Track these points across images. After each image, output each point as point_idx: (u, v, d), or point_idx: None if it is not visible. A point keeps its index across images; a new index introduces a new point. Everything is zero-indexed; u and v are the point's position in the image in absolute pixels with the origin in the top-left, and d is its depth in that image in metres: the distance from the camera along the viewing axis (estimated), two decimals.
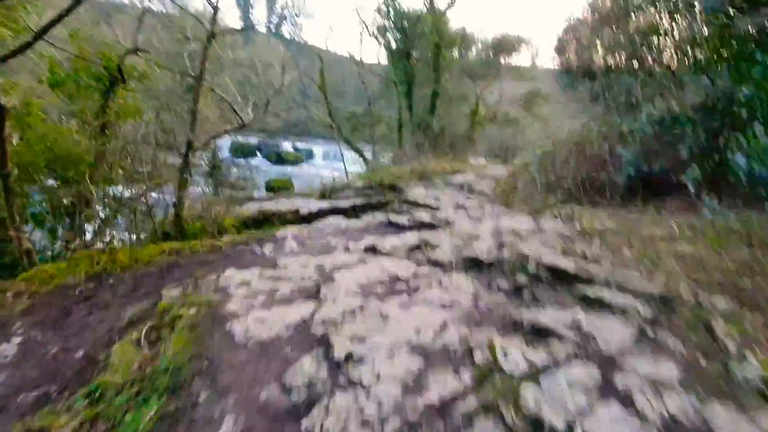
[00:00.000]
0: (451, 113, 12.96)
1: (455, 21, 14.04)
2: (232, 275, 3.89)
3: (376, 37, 12.12)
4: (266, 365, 2.38)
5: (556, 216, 5.40)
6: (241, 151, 24.89)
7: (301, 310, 2.97)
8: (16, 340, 3.09)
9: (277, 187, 19.20)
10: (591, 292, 2.90)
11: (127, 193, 6.92)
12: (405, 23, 10.54)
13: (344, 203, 8.05)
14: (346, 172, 11.28)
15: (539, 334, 2.50)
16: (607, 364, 2.16)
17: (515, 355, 2.17)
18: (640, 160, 6.53)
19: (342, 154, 12.34)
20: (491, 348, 2.29)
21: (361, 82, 15.44)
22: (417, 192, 8.08)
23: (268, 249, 5.42)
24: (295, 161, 25.04)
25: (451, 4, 11.24)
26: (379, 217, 7.30)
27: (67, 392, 2.58)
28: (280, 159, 24.97)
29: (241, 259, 5.04)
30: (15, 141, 6.17)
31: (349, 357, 2.33)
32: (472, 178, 9.76)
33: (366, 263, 4.00)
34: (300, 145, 26.50)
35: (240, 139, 25.98)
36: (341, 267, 3.96)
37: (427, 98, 11.54)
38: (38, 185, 6.19)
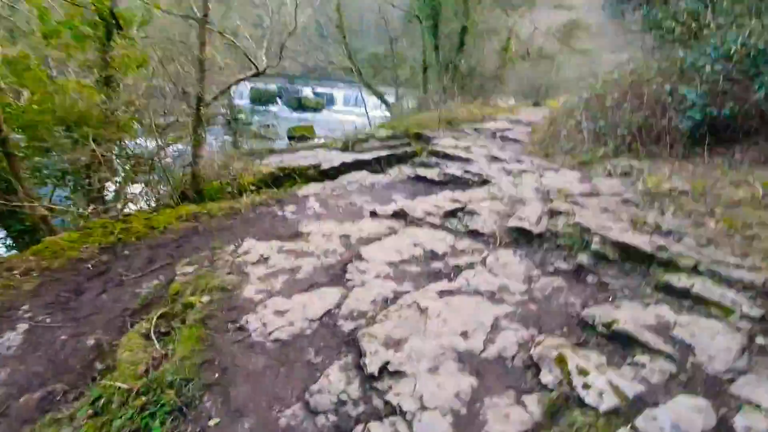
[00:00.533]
0: (479, 51, 11.61)
1: None
2: (250, 248, 3.47)
3: None
4: (287, 375, 1.99)
5: (610, 172, 4.65)
6: (261, 99, 23.98)
7: (326, 299, 2.53)
8: (22, 327, 2.83)
9: (299, 135, 18.55)
10: (676, 280, 2.31)
11: (142, 150, 6.50)
12: None
13: (368, 156, 7.41)
14: (369, 120, 10.44)
15: (618, 341, 1.97)
16: (719, 393, 1.64)
17: (596, 379, 1.67)
18: (707, 102, 5.52)
19: (363, 100, 11.42)
20: (561, 363, 1.79)
21: (381, 19, 14.00)
22: (446, 142, 7.31)
23: (289, 210, 4.97)
24: (316, 107, 23.96)
25: None
26: (406, 170, 6.67)
27: (73, 394, 2.31)
28: (300, 105, 23.93)
29: (262, 223, 4.62)
30: (24, 98, 5.73)
31: (384, 369, 1.89)
32: (504, 124, 8.82)
33: (396, 234, 3.49)
34: (320, 90, 25.22)
35: (260, 86, 24.98)
36: (369, 239, 3.47)
37: (455, 35, 10.22)
38: (52, 146, 5.81)
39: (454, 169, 6.21)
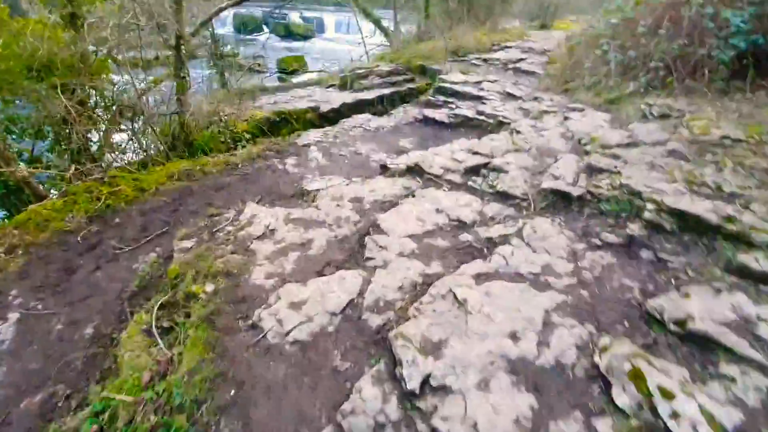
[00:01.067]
0: None
1: None
2: (253, 216, 3.05)
3: None
4: (312, 387, 1.70)
5: (645, 114, 4.09)
6: (246, 27, 21.76)
7: (346, 285, 2.18)
8: (14, 316, 2.50)
9: (290, 67, 17.12)
10: (753, 261, 1.96)
11: (121, 95, 5.74)
12: None
13: (369, 95, 6.66)
14: (367, 52, 9.38)
15: (694, 344, 1.67)
16: None
17: (684, 405, 1.38)
18: (752, 27, 4.78)
19: (359, 27, 10.16)
20: (637, 379, 1.50)
21: None
22: (454, 77, 6.54)
23: (290, 164, 4.46)
24: (306, 34, 21.80)
25: None
26: (412, 111, 6.02)
27: (75, 399, 2.06)
28: (289, 33, 21.72)
29: (262, 180, 4.14)
30: None
31: (425, 383, 1.60)
32: (516, 53, 7.91)
33: (414, 197, 3.06)
34: (309, 14, 22.81)
35: (243, 12, 22.57)
36: (384, 203, 3.05)
37: None
38: (23, 96, 5.07)
39: (464, 109, 5.59)
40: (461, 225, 2.66)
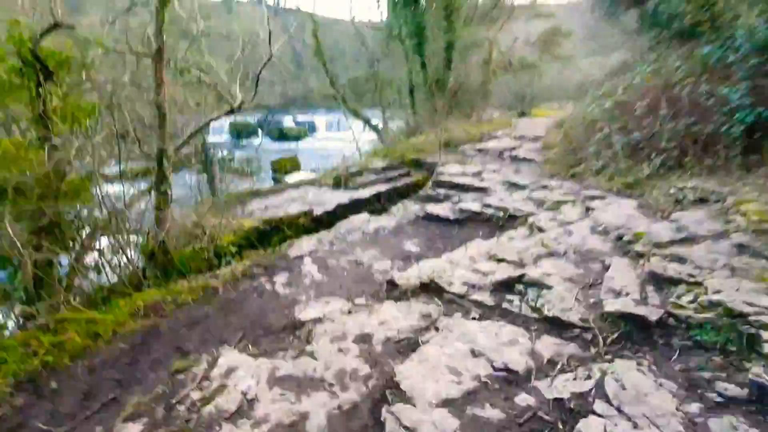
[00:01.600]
0: (464, 66, 10.77)
1: None
2: (228, 373, 2.27)
3: None
4: None
5: (679, 199, 3.61)
6: (241, 132, 22.83)
7: None
8: None
9: (283, 168, 17.43)
10: None
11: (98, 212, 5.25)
12: None
13: (365, 192, 6.30)
14: (359, 149, 9.38)
15: None
16: None
17: None
18: (754, 101, 4.61)
19: (351, 127, 10.35)
20: None
21: (359, 44, 13.12)
22: (451, 169, 6.27)
23: (281, 282, 3.78)
24: (299, 136, 22.87)
25: None
26: (412, 207, 5.56)
27: None
28: (283, 135, 22.79)
29: (246, 307, 3.43)
30: None
31: None
32: (508, 141, 7.85)
33: (439, 332, 2.34)
34: (301, 118, 24.21)
35: (239, 119, 23.88)
36: (401, 344, 2.31)
37: (440, 52, 9.34)
38: None
39: (469, 202, 5.14)
40: (512, 377, 1.91)
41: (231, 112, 6.85)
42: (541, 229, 3.56)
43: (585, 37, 14.22)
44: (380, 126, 11.26)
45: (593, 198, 4.16)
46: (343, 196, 6.22)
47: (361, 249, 4.42)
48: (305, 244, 4.61)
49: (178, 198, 7.01)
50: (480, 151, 7.43)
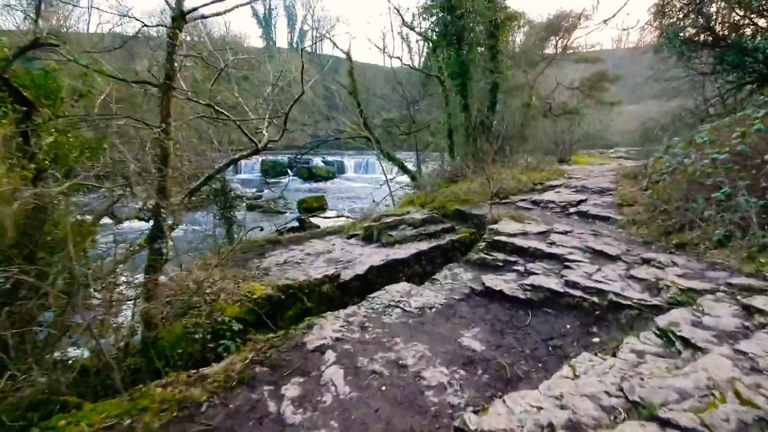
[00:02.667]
0: (509, 109, 9.81)
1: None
2: None
3: (411, 28, 9.09)
4: None
5: None
6: (272, 171, 22.56)
7: None
8: None
9: (311, 208, 16.67)
10: None
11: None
12: None
13: (402, 251, 5.12)
14: (391, 193, 8.32)
15: None
16: None
17: None
18: None
19: (383, 168, 9.35)
20: None
21: (393, 87, 12.49)
22: (507, 226, 5.03)
23: (290, 398, 2.54)
24: (327, 176, 22.36)
25: None
26: (463, 276, 4.31)
27: None
28: (312, 175, 22.36)
29: None
30: None
31: None
32: (569, 194, 6.57)
33: None
34: (330, 158, 23.86)
35: (270, 158, 23.76)
36: None
37: (483, 93, 8.45)
38: None
39: (541, 274, 3.85)
40: None
41: (256, 151, 5.96)
42: (693, 345, 2.22)
43: (637, 83, 13.12)
44: (414, 170, 10.25)
45: (748, 290, 2.79)
46: (376, 255, 5.05)
47: (404, 340, 3.17)
48: (329, 326, 3.40)
49: (186, 246, 6.07)
50: (537, 204, 6.18)
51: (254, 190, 21.01)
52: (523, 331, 3.22)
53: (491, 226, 5.13)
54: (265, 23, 35.91)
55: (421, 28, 8.89)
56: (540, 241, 4.57)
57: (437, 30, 8.32)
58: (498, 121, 8.86)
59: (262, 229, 9.19)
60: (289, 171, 23.23)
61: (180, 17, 3.56)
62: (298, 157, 19.01)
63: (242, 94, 7.30)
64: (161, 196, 3.71)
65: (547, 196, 6.44)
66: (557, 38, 12.13)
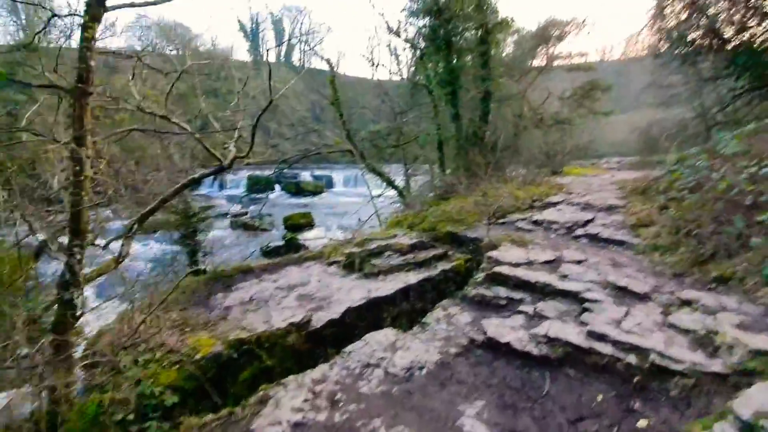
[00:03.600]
0: (502, 120, 9.19)
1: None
2: None
3: (397, 34, 8.43)
4: None
5: None
6: (258, 186, 21.69)
7: None
8: None
9: (297, 225, 15.80)
10: None
11: None
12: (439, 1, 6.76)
13: (387, 285, 4.31)
14: (377, 212, 7.52)
15: None
16: None
17: None
18: None
19: (368, 186, 8.59)
20: None
21: (380, 100, 11.83)
22: (509, 253, 4.27)
23: None
24: (315, 191, 21.49)
25: None
26: (461, 320, 3.50)
27: None
28: (299, 190, 21.47)
29: None
30: None
31: None
32: (573, 212, 5.84)
33: None
34: (319, 172, 23.06)
35: (257, 173, 22.90)
36: None
37: (476, 103, 7.79)
38: None
39: (555, 319, 3.07)
40: None
41: (220, 169, 5.16)
42: None
43: (621, 94, 12.65)
44: (402, 185, 9.50)
45: None
46: (357, 290, 4.23)
47: (385, 422, 2.34)
48: (287, 402, 2.56)
49: (137, 281, 5.19)
50: (539, 224, 5.44)
51: (239, 206, 20.06)
52: (541, 406, 2.42)
53: (490, 253, 4.36)
54: (253, 37, 35.37)
55: (407, 34, 8.27)
56: (549, 272, 3.81)
57: (425, 36, 7.69)
58: (491, 132, 8.20)
59: (251, 253, 8.32)
60: (277, 186, 22.40)
61: (97, 5, 2.78)
62: (279, 171, 18.21)
63: (220, 109, 6.49)
64: (73, 228, 2.87)
65: (549, 214, 5.71)
66: (547, 47, 11.62)
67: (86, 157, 2.89)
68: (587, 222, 5.17)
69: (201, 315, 4.05)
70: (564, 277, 3.68)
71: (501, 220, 5.97)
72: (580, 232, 4.90)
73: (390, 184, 9.00)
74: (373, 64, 10.91)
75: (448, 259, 4.95)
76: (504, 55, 11.01)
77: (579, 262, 3.94)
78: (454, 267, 4.68)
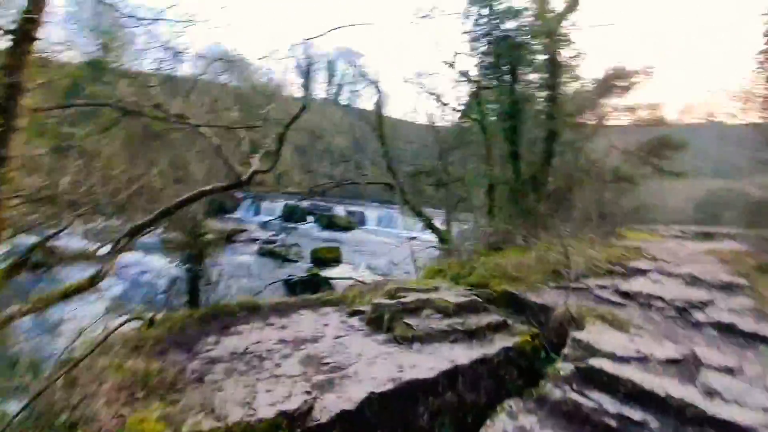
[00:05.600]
0: (565, 165, 7.98)
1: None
2: None
3: (451, 65, 7.62)
4: None
5: None
6: (293, 216, 21.21)
7: None
8: None
9: (324, 259, 14.81)
10: None
11: None
12: (503, 25, 5.88)
13: (428, 362, 2.99)
14: (414, 259, 6.32)
15: None
16: None
17: None
18: None
19: (406, 227, 7.48)
20: None
21: (425, 142, 11.00)
22: (605, 339, 2.90)
23: None
24: (347, 226, 20.68)
25: (573, 6, 6.49)
26: None
27: None
28: (331, 224, 20.73)
29: None
30: None
31: None
32: (673, 284, 4.34)
33: None
34: (353, 208, 22.34)
35: (292, 202, 22.57)
36: None
37: (536, 143, 6.67)
38: None
39: None
40: None
41: (238, 184, 4.25)
42: None
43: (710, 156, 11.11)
44: (442, 229, 8.30)
45: None
46: (383, 362, 2.97)
47: None
48: None
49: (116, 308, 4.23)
50: (629, 297, 4.00)
51: (271, 233, 19.45)
52: None
53: (577, 335, 3.00)
54: (305, 74, 36.83)
55: (462, 67, 7.43)
56: (681, 380, 2.40)
57: (485, 65, 6.81)
58: (553, 178, 6.99)
59: (266, 286, 7.31)
60: (310, 217, 21.83)
61: None
62: (313, 195, 17.61)
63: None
64: None
65: (643, 285, 4.26)
66: (612, 95, 10.45)
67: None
68: (705, 304, 3.68)
69: (174, 368, 2.95)
70: (712, 394, 2.26)
71: (573, 284, 4.58)
72: (701, 317, 3.42)
73: (430, 226, 7.83)
74: (415, 110, 10.11)
75: (508, 330, 3.60)
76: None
77: (729, 370, 2.50)
78: (517, 345, 3.32)
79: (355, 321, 4.09)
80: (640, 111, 11.06)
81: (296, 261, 15.14)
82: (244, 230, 18.60)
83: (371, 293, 4.70)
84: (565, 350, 2.91)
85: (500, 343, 3.30)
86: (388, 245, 14.16)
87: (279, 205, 22.68)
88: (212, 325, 4.05)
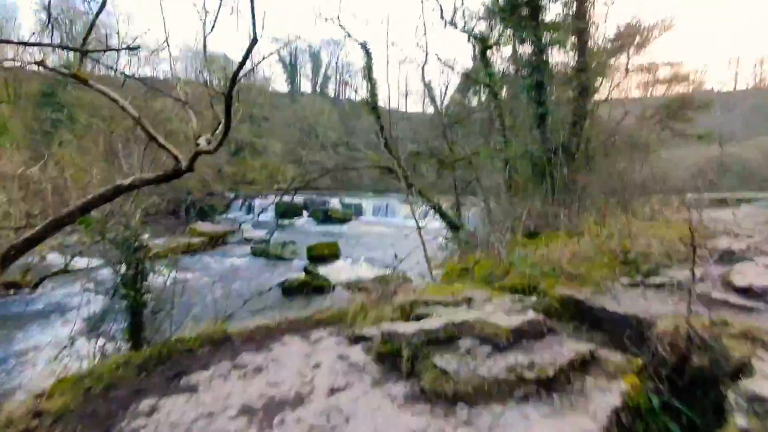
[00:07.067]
0: (590, 130, 6.61)
1: None
2: None
3: (453, 24, 6.12)
4: None
5: None
6: (286, 212, 19.74)
7: None
8: None
9: (322, 255, 13.41)
10: None
11: None
12: None
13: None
14: (428, 261, 4.85)
15: None
16: None
17: None
18: None
19: (415, 215, 6.10)
20: None
21: (411, 133, 9.51)
22: None
23: None
24: (344, 219, 19.28)
25: None
26: None
27: None
28: (327, 217, 19.32)
29: None
30: None
31: None
32: None
33: None
34: (348, 200, 20.92)
35: (287, 199, 21.05)
36: None
37: (560, 107, 5.28)
38: None
39: None
40: None
41: (177, 173, 2.82)
42: None
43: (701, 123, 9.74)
44: (451, 213, 6.90)
45: None
46: None
47: None
48: None
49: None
50: (756, 295, 2.65)
51: (265, 231, 17.99)
52: None
53: (747, 384, 1.63)
54: (291, 68, 34.99)
55: (465, 24, 5.95)
56: None
57: (499, 8, 5.33)
58: (585, 145, 5.60)
59: (248, 300, 5.98)
60: (305, 212, 20.38)
61: None
62: (315, 197, 16.10)
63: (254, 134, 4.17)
64: None
65: (757, 275, 2.91)
66: (628, 52, 9.01)
67: None
68: None
69: None
70: None
71: (650, 280, 3.21)
72: None
73: (440, 212, 6.44)
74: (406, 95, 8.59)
75: (599, 367, 2.22)
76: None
77: None
78: (629, 399, 1.94)
79: (357, 353, 2.75)
80: (657, 70, 9.64)
81: (291, 259, 13.75)
82: (235, 231, 17.15)
83: (377, 309, 3.34)
84: (739, 419, 1.54)
85: (600, 398, 1.93)
86: (386, 235, 12.79)
87: (272, 202, 21.22)
88: (156, 374, 2.68)
